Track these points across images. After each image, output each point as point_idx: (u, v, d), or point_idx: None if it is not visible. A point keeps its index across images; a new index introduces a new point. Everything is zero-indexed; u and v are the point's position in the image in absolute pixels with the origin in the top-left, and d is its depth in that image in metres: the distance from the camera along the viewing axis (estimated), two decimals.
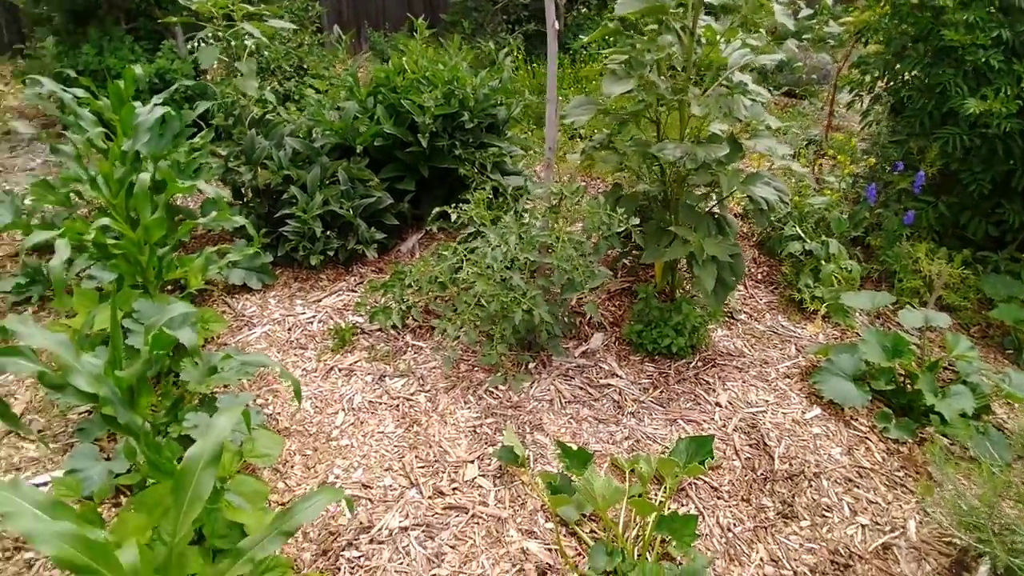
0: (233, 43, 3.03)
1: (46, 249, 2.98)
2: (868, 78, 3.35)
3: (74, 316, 2.37)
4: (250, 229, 2.42)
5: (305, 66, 4.40)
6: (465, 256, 2.35)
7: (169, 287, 2.77)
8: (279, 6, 4.65)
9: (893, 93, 3.29)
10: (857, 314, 2.79)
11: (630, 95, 2.44)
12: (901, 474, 2.08)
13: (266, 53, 4.14)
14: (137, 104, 2.72)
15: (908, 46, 3.00)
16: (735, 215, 3.50)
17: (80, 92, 3.00)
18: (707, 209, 2.52)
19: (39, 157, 4.06)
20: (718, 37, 2.26)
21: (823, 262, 2.79)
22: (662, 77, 2.32)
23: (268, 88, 3.96)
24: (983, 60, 2.66)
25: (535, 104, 4.14)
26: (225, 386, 2.30)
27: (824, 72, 5.44)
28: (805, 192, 3.02)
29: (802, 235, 2.89)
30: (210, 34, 3.14)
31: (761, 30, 2.47)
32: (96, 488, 1.75)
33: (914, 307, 2.41)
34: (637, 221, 2.21)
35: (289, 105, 3.58)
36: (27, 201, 3.00)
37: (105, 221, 2.16)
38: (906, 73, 3.12)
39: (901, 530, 1.90)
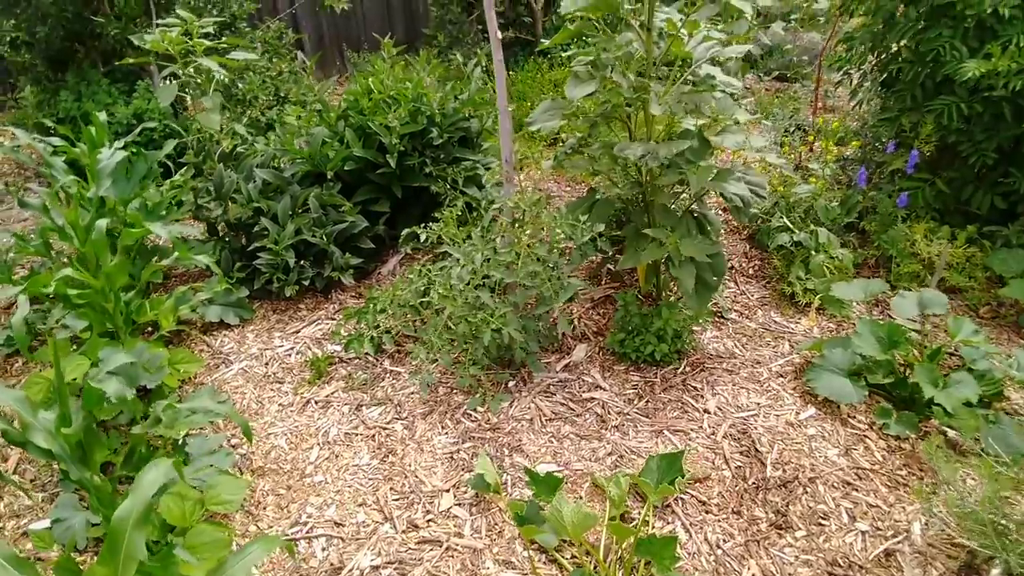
0: (199, 79, 3.01)
1: (34, 299, 3.00)
2: (855, 54, 3.18)
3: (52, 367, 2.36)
4: (213, 268, 2.38)
5: (282, 94, 4.40)
6: (431, 278, 2.29)
7: (149, 329, 2.76)
8: (252, 36, 4.66)
9: (882, 67, 3.13)
10: (854, 304, 2.66)
11: (595, 97, 2.36)
12: (904, 473, 1.95)
13: (241, 85, 4.14)
14: (104, 149, 2.73)
15: (897, 12, 2.84)
16: (723, 210, 3.38)
17: (57, 141, 3.02)
18: (687, 208, 2.42)
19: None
20: (680, 30, 2.17)
21: (813, 252, 2.67)
22: (626, 76, 2.23)
23: (245, 119, 3.96)
24: (989, 10, 2.42)
25: (512, 112, 4.07)
26: (201, 428, 2.27)
27: (815, 53, 5.27)
28: (791, 181, 2.89)
29: (790, 226, 2.77)
30: (171, 72, 3.14)
31: (745, 15, 2.34)
32: (73, 537, 1.73)
33: (906, 292, 2.27)
34: (602, 228, 2.13)
35: (270, 134, 3.56)
36: (11, 255, 3.03)
37: (67, 272, 2.15)
38: (895, 44, 2.95)
39: (904, 534, 1.77)
